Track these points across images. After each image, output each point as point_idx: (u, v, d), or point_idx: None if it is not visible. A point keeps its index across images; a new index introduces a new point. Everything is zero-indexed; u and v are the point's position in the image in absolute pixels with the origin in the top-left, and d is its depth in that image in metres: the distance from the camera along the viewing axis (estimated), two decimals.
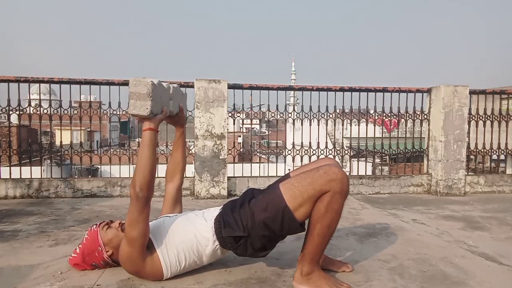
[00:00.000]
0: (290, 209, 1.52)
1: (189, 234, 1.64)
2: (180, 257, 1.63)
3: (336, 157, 4.24)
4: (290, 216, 1.53)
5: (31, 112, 3.85)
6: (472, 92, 4.27)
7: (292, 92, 5.26)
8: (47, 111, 3.81)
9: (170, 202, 2.00)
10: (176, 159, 2.03)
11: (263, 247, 1.63)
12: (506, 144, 4.51)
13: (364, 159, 8.17)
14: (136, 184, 1.53)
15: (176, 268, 1.64)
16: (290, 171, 1.90)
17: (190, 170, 3.49)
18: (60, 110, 3.81)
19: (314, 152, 4.18)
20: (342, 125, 4.28)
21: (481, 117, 4.37)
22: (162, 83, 1.65)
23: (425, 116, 4.35)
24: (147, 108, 1.52)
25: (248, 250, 1.62)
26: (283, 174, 3.35)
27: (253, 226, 1.57)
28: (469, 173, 4.41)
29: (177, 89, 1.86)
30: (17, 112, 3.81)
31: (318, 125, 4.16)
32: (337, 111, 4.31)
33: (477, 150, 4.41)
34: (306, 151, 4.19)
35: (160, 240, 1.63)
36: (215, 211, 1.73)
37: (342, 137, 4.53)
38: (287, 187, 1.56)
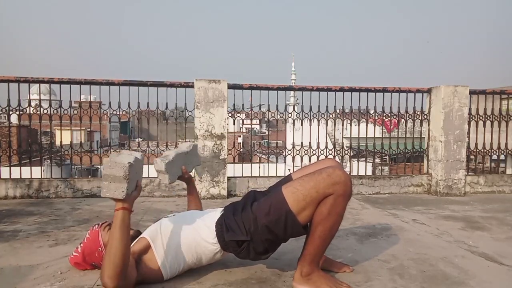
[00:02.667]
0: (293, 212, 1.51)
1: (188, 236, 1.63)
2: (179, 259, 1.62)
3: (336, 157, 4.24)
4: (293, 219, 1.52)
5: (31, 112, 3.85)
6: (472, 92, 4.27)
7: (292, 92, 5.25)
8: (47, 111, 3.81)
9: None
10: (193, 208, 2.12)
11: (265, 250, 1.62)
12: (506, 144, 4.51)
13: (364, 159, 8.17)
14: (105, 274, 1.38)
15: (175, 270, 1.63)
16: (291, 172, 1.89)
17: None
18: (60, 110, 3.81)
19: (314, 152, 4.18)
20: (342, 125, 4.27)
21: (481, 117, 4.37)
22: (137, 156, 1.54)
23: (425, 116, 4.35)
24: (122, 191, 1.42)
25: (250, 253, 1.61)
26: (283, 174, 3.35)
27: (255, 230, 1.56)
28: (469, 173, 4.41)
29: (174, 159, 1.93)
30: (17, 112, 3.81)
31: (318, 125, 4.16)
32: (337, 111, 4.31)
33: (477, 150, 4.41)
34: (306, 151, 4.19)
35: (158, 243, 1.61)
36: (216, 213, 1.72)
37: (342, 137, 4.52)
38: (289, 190, 1.54)
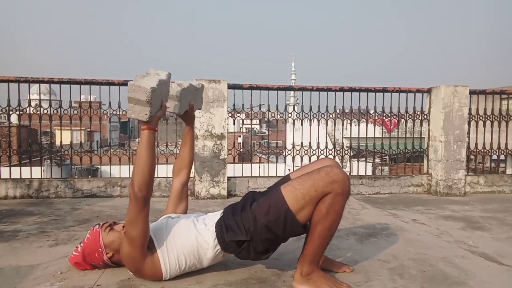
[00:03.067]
0: (292, 211, 1.52)
1: (191, 238, 1.63)
2: (180, 260, 1.63)
3: (336, 157, 4.24)
4: (292, 218, 1.53)
5: (31, 112, 3.85)
6: (472, 92, 4.27)
7: (292, 92, 5.25)
8: (47, 111, 3.81)
9: (175, 198, 1.97)
10: (183, 155, 2.01)
11: (266, 250, 1.63)
12: (506, 144, 4.51)
13: (364, 159, 8.17)
14: (134, 183, 1.52)
15: (175, 271, 1.63)
16: (290, 172, 1.90)
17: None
18: (60, 110, 3.81)
19: (314, 152, 4.18)
20: (342, 125, 4.27)
21: (481, 117, 4.37)
22: (162, 77, 1.57)
23: (425, 116, 4.35)
24: (146, 114, 1.49)
25: (250, 253, 1.62)
26: (283, 174, 3.36)
27: (255, 229, 1.56)
28: (469, 173, 4.41)
29: (188, 88, 1.83)
30: (17, 112, 3.81)
31: (318, 125, 4.16)
32: (337, 111, 4.31)
33: (477, 150, 4.41)
34: (306, 151, 4.19)
35: (161, 242, 1.62)
36: (215, 216, 1.72)
37: (342, 137, 4.52)
38: (288, 189, 1.55)
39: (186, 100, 1.84)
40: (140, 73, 1.56)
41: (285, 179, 1.79)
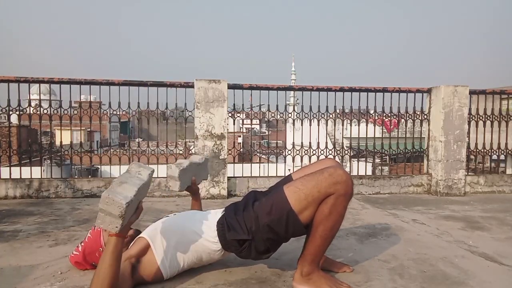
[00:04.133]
0: (295, 212, 1.52)
1: (189, 236, 1.63)
2: (179, 258, 1.62)
3: (336, 157, 4.24)
4: (295, 219, 1.52)
5: (31, 112, 3.85)
6: (472, 92, 4.27)
7: (292, 92, 5.25)
8: (47, 111, 3.81)
9: None
10: None
11: (267, 250, 1.62)
12: (506, 144, 4.51)
13: (364, 159, 8.17)
14: None
15: (175, 270, 1.63)
16: (292, 172, 1.89)
17: None
18: (60, 110, 3.81)
19: (314, 152, 4.18)
20: (342, 125, 4.27)
21: (481, 117, 4.37)
22: (143, 178, 1.46)
23: (425, 116, 4.35)
24: (116, 227, 1.35)
25: (252, 253, 1.62)
26: (283, 174, 3.35)
27: (257, 229, 1.56)
28: (469, 173, 4.41)
29: (188, 168, 1.95)
30: (17, 112, 3.81)
31: (318, 125, 4.16)
32: (337, 111, 4.31)
33: (477, 150, 4.41)
34: (306, 151, 4.19)
35: (158, 243, 1.61)
36: (217, 213, 1.72)
37: (342, 137, 4.52)
38: (291, 189, 1.54)
39: (186, 178, 1.98)
40: (119, 177, 1.43)
41: (287, 179, 1.79)
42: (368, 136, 4.63)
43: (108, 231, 1.52)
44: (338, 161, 3.93)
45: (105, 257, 1.38)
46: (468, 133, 4.21)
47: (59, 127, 3.91)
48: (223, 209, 1.75)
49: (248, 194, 1.76)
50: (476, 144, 4.40)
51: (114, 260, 1.38)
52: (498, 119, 4.41)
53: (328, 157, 4.08)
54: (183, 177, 1.95)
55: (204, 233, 1.64)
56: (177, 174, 1.91)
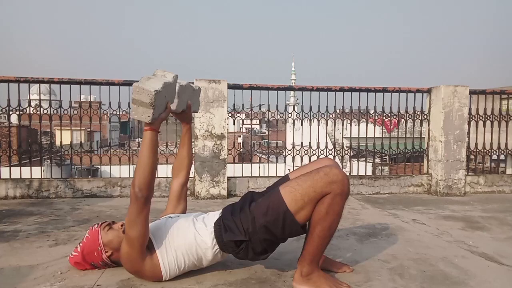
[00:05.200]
0: (291, 212, 1.52)
1: (189, 238, 1.63)
2: (179, 260, 1.63)
3: (336, 157, 4.24)
4: (291, 219, 1.52)
5: (31, 112, 3.85)
6: (472, 92, 4.27)
7: (292, 92, 5.25)
8: (47, 111, 3.81)
9: (174, 199, 1.97)
10: (182, 155, 2.02)
11: (264, 251, 1.63)
12: (506, 144, 4.50)
13: (364, 159, 8.16)
14: (135, 183, 1.52)
15: (175, 271, 1.63)
16: (289, 172, 1.90)
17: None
18: (60, 110, 3.81)
19: (314, 152, 4.18)
20: (342, 125, 4.27)
21: (481, 117, 4.37)
22: (168, 80, 1.57)
23: (425, 116, 4.35)
24: (149, 116, 1.50)
25: (249, 254, 1.62)
26: (283, 174, 3.36)
27: (254, 230, 1.56)
28: (469, 173, 4.41)
29: (186, 87, 1.81)
30: (17, 112, 3.80)
31: (318, 125, 4.16)
32: (337, 111, 4.30)
33: (477, 150, 4.41)
34: (306, 151, 4.19)
35: (160, 242, 1.62)
36: (215, 216, 1.72)
37: (342, 137, 4.52)
38: (287, 190, 1.55)
39: (183, 98, 1.80)
40: (146, 75, 1.56)
41: (284, 179, 1.79)
42: (368, 136, 4.63)
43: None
44: (338, 161, 3.93)
45: (143, 149, 1.56)
46: (468, 133, 4.21)
47: (59, 127, 3.91)
48: (221, 210, 1.75)
49: (245, 195, 1.76)
50: (476, 144, 4.40)
51: (151, 151, 1.55)
52: (498, 119, 4.41)
53: (328, 157, 4.08)
54: (182, 96, 1.75)
55: (203, 235, 1.64)
56: (177, 90, 1.69)
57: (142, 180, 1.52)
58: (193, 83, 1.98)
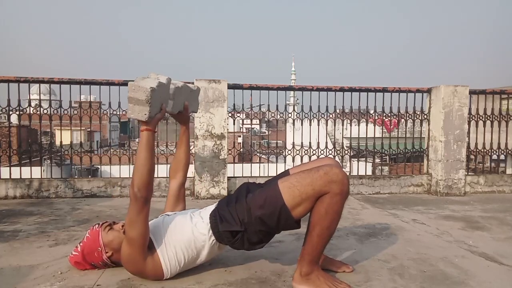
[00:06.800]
0: (287, 207, 1.52)
1: (187, 232, 1.64)
2: (179, 255, 1.63)
3: (336, 157, 4.24)
4: (287, 214, 1.53)
5: (31, 112, 3.85)
6: (472, 92, 4.27)
7: (292, 92, 5.25)
8: (47, 111, 3.81)
9: (172, 199, 1.99)
10: (179, 156, 2.02)
11: (260, 241, 1.64)
12: (506, 144, 4.50)
13: (364, 159, 8.16)
14: (134, 184, 1.54)
15: (175, 268, 1.64)
16: (290, 168, 1.90)
17: (190, 170, 3.49)
18: (60, 110, 3.81)
19: (314, 152, 4.18)
20: (342, 125, 4.27)
21: (481, 117, 4.37)
22: (162, 81, 1.60)
23: (425, 116, 4.35)
24: (145, 114, 1.52)
25: (245, 244, 1.63)
26: None
27: (249, 221, 1.57)
28: (469, 173, 4.41)
29: (183, 88, 1.82)
30: (17, 112, 3.80)
31: (318, 125, 4.16)
32: (337, 111, 4.31)
33: (477, 150, 4.41)
34: (306, 151, 4.19)
35: (159, 240, 1.63)
36: (212, 207, 1.74)
37: (342, 137, 4.52)
38: (286, 185, 1.55)
39: (179, 99, 1.81)
40: (140, 75, 1.58)
41: (284, 174, 1.79)
42: (368, 136, 4.63)
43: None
44: (338, 161, 3.93)
45: (140, 149, 1.56)
46: (468, 133, 4.21)
47: (59, 127, 3.91)
48: (217, 203, 1.76)
49: (240, 186, 1.76)
50: (476, 144, 4.40)
51: (148, 151, 1.56)
52: (498, 119, 4.41)
53: (328, 156, 4.08)
54: (177, 97, 1.76)
55: (199, 227, 1.65)
56: (171, 91, 1.69)
57: (140, 181, 1.54)
58: (192, 83, 1.99)
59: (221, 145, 3.82)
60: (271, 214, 1.54)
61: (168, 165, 1.96)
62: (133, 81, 1.54)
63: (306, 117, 4.18)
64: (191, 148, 2.17)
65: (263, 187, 1.68)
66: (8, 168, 3.90)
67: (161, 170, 3.68)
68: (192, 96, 1.97)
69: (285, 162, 4.40)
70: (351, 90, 4.18)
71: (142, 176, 1.54)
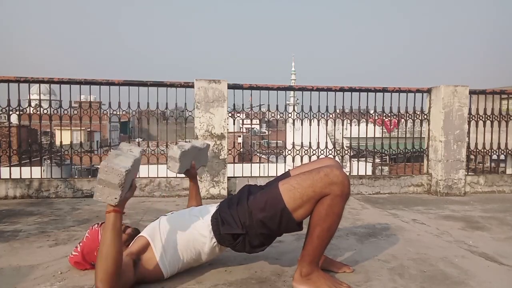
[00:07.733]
0: (289, 210, 1.52)
1: (186, 233, 1.64)
2: (178, 256, 1.63)
3: (336, 157, 4.24)
4: (288, 217, 1.53)
5: (31, 112, 3.85)
6: (472, 92, 4.27)
7: (292, 92, 5.25)
8: (47, 111, 3.81)
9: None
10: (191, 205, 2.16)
11: (261, 243, 1.64)
12: (506, 144, 4.50)
13: (364, 159, 8.16)
14: (97, 277, 1.36)
15: (174, 268, 1.64)
16: (290, 169, 1.89)
17: None
18: (60, 110, 3.81)
19: (314, 152, 4.18)
20: (342, 125, 4.27)
21: (481, 117, 4.37)
22: (133, 154, 1.46)
23: (425, 116, 4.35)
24: (115, 198, 1.36)
25: (246, 247, 1.63)
26: None
27: (251, 224, 1.57)
28: (469, 173, 4.41)
29: (189, 151, 2.01)
30: (17, 112, 3.80)
31: (318, 125, 4.16)
32: (337, 111, 4.31)
33: (477, 150, 4.41)
34: (306, 151, 4.19)
35: (157, 241, 1.62)
36: (211, 207, 1.74)
37: (342, 137, 4.52)
38: (286, 187, 1.54)
39: (186, 160, 2.05)
40: (112, 151, 1.45)
41: (285, 175, 1.79)
42: (368, 136, 4.63)
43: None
44: (338, 161, 3.93)
45: (106, 234, 1.38)
46: (468, 133, 4.21)
47: (59, 127, 3.91)
48: (218, 204, 1.76)
49: (242, 188, 1.76)
50: (476, 144, 4.40)
51: (115, 236, 1.38)
52: (498, 119, 4.41)
53: (328, 157, 4.08)
54: (184, 160, 2.02)
55: (200, 228, 1.65)
56: (178, 156, 1.98)
57: (105, 274, 1.35)
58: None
59: (221, 145, 3.82)
60: (272, 216, 1.53)
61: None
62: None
63: (306, 117, 4.18)
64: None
65: (264, 189, 1.68)
66: (8, 168, 3.90)
67: (161, 170, 3.68)
68: (201, 153, 2.19)
69: (285, 162, 4.40)
70: (351, 90, 4.18)
71: (108, 267, 1.35)
